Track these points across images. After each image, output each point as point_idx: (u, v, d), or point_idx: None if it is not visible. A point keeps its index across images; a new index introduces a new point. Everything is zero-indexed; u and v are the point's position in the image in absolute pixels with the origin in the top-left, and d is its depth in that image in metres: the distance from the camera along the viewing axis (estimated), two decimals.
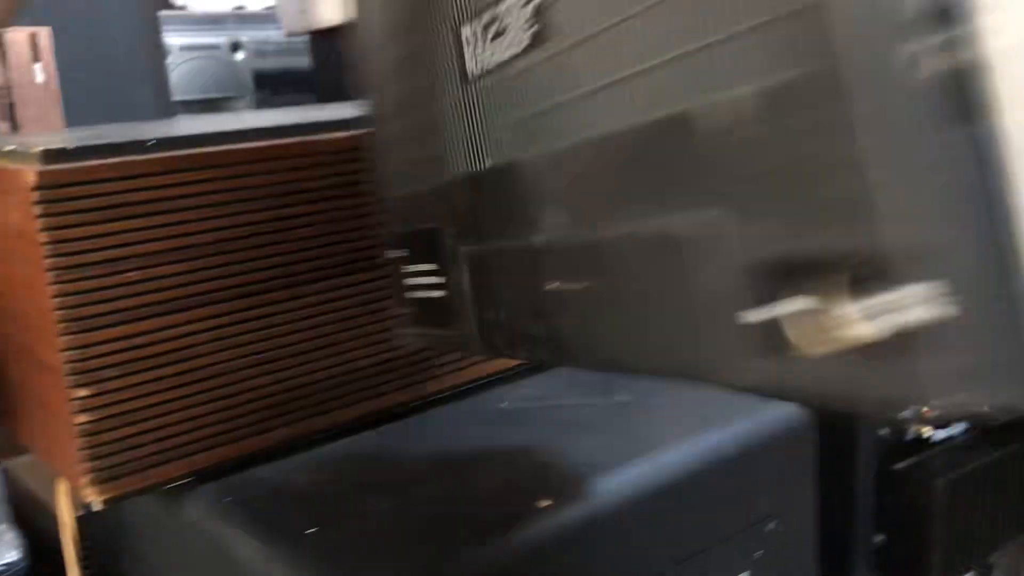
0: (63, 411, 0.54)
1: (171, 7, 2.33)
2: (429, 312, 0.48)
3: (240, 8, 2.07)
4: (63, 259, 0.51)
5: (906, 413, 0.28)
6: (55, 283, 0.51)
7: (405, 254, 0.48)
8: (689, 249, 0.32)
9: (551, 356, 0.44)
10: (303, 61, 1.78)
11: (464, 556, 0.47)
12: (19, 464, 1.07)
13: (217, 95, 1.91)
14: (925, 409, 0.78)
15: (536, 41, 0.37)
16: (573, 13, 0.35)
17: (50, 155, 0.51)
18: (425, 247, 0.47)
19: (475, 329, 0.45)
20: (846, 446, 0.78)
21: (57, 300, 0.51)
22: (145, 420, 0.54)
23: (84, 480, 0.54)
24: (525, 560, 0.49)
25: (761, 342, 0.29)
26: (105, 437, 0.54)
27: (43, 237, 0.50)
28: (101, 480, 0.54)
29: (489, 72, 0.40)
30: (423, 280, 0.48)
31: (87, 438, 0.53)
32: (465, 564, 0.47)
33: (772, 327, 0.28)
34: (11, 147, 0.56)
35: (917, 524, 0.78)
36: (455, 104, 0.43)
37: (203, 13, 1.99)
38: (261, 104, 1.95)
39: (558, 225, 0.40)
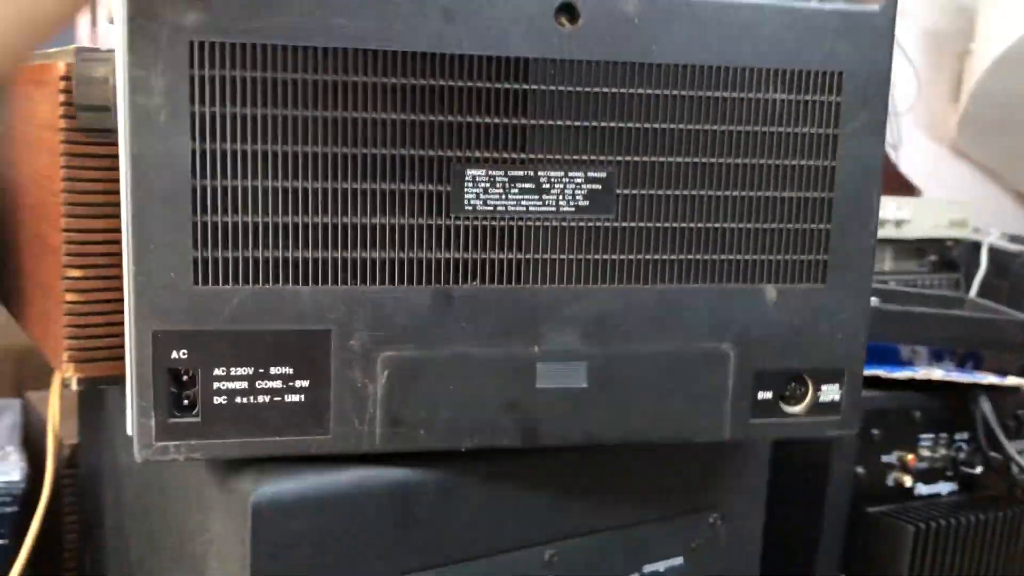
0: (58, 292, 0.58)
1: None
2: (253, 419, 0.48)
3: None
4: (76, 146, 0.55)
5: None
6: (66, 167, 0.55)
7: (210, 357, 0.47)
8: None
9: (519, 441, 0.51)
10: None
11: None
12: (36, 397, 1.11)
13: None
14: (911, 457, 0.79)
15: None
16: None
17: (84, 51, 0.56)
18: (280, 351, 0.47)
19: (375, 427, 0.49)
20: (818, 479, 0.79)
21: (65, 183, 0.56)
22: None
23: (64, 357, 0.58)
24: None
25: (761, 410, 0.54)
26: (89, 319, 0.57)
27: (62, 123, 0.55)
28: (80, 359, 0.58)
29: None
30: (260, 385, 0.48)
31: (72, 316, 0.57)
32: None
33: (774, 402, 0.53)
34: (55, 49, 0.61)
35: (882, 570, 0.78)
36: None
37: None
38: None
39: (564, 342, 0.50)
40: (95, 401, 0.76)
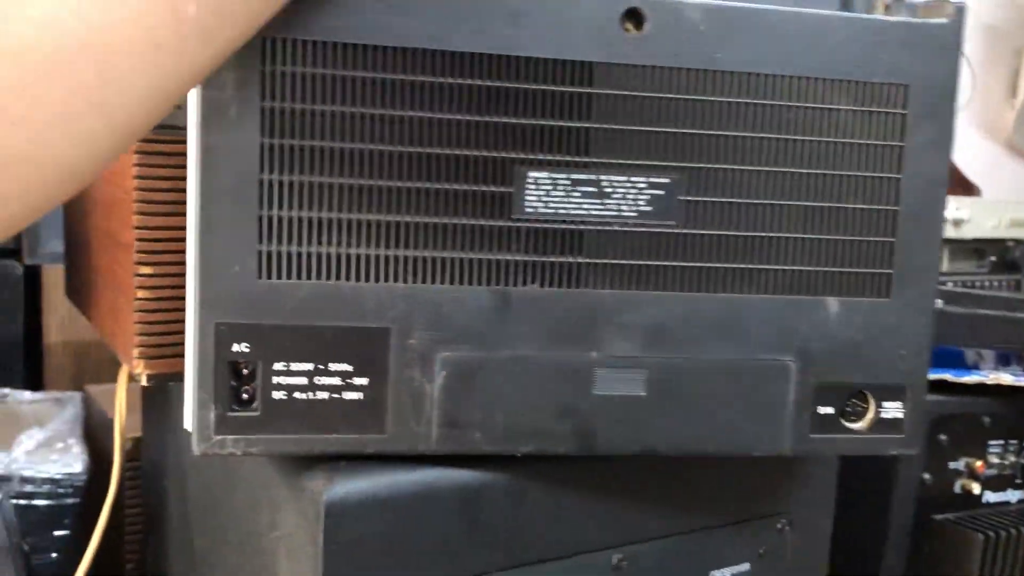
0: (129, 288, 0.59)
1: None
2: (311, 415, 0.48)
3: None
4: (148, 144, 0.57)
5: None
6: (137, 164, 0.57)
7: (270, 351, 0.47)
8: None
9: (574, 448, 0.51)
10: None
11: None
12: (96, 391, 1.14)
13: None
14: (979, 464, 0.78)
15: None
16: None
17: None
18: (340, 347, 0.48)
19: (432, 427, 0.49)
20: (884, 485, 0.78)
21: (137, 181, 0.57)
22: None
23: (135, 353, 0.59)
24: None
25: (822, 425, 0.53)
26: (159, 316, 0.59)
27: None
28: (150, 355, 0.59)
29: None
30: (319, 381, 0.48)
31: (142, 313, 0.58)
32: None
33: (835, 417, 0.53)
34: None
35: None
36: None
37: None
38: None
39: (623, 349, 0.50)
40: (159, 395, 0.77)
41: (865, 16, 0.51)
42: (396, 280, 0.48)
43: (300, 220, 0.47)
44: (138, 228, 0.57)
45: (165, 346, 0.59)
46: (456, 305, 0.49)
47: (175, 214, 0.58)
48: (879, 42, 0.51)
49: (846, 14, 0.50)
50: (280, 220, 0.47)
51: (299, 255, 0.47)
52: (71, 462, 0.99)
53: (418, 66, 0.47)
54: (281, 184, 0.46)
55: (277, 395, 0.48)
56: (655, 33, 0.49)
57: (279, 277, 0.47)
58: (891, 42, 0.51)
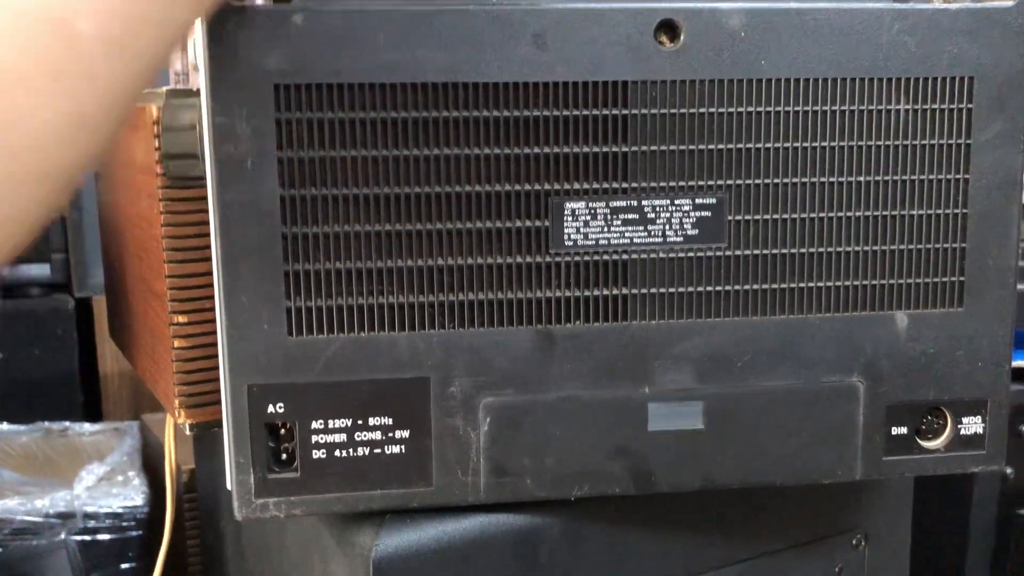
0: (166, 337, 0.58)
1: None
2: (353, 472, 0.46)
3: None
4: (174, 190, 0.55)
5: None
6: (165, 212, 0.55)
7: (307, 410, 0.45)
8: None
9: (631, 488, 0.48)
10: None
11: None
12: (153, 420, 1.14)
13: None
14: None
15: None
16: None
17: (175, 93, 0.55)
18: (378, 401, 0.46)
19: (480, 477, 0.47)
20: (963, 481, 0.74)
21: (165, 229, 0.55)
22: None
23: (176, 404, 0.57)
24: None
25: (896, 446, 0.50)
26: (197, 364, 0.57)
27: (158, 168, 0.54)
28: (191, 404, 0.57)
29: None
30: (359, 437, 0.46)
31: (181, 363, 0.57)
32: None
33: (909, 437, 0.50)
34: (148, 91, 0.61)
35: None
36: None
37: None
38: None
39: (677, 382, 0.47)
40: (207, 435, 0.76)
41: (921, 6, 0.47)
42: (432, 327, 0.46)
43: (328, 272, 0.45)
44: (170, 277, 0.56)
45: (207, 394, 0.58)
46: (497, 348, 0.46)
47: (206, 259, 0.56)
48: (938, 33, 0.47)
49: (900, 5, 0.47)
50: (307, 274, 0.44)
51: (329, 309, 0.45)
52: (132, 495, 0.99)
53: (439, 101, 0.44)
54: (305, 236, 0.44)
55: (317, 454, 0.46)
56: (692, 44, 0.45)
57: (310, 333, 0.45)
58: (951, 32, 0.47)
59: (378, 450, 0.46)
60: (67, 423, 1.15)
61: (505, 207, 0.45)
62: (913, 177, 0.48)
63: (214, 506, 0.80)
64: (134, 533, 1.00)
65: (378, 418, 0.46)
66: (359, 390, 0.45)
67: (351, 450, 0.46)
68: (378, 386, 0.46)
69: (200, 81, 0.44)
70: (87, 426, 1.15)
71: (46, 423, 1.15)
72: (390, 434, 0.46)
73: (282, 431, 0.46)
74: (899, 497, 0.61)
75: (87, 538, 0.97)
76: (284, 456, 0.46)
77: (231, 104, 0.43)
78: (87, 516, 0.96)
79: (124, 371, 1.23)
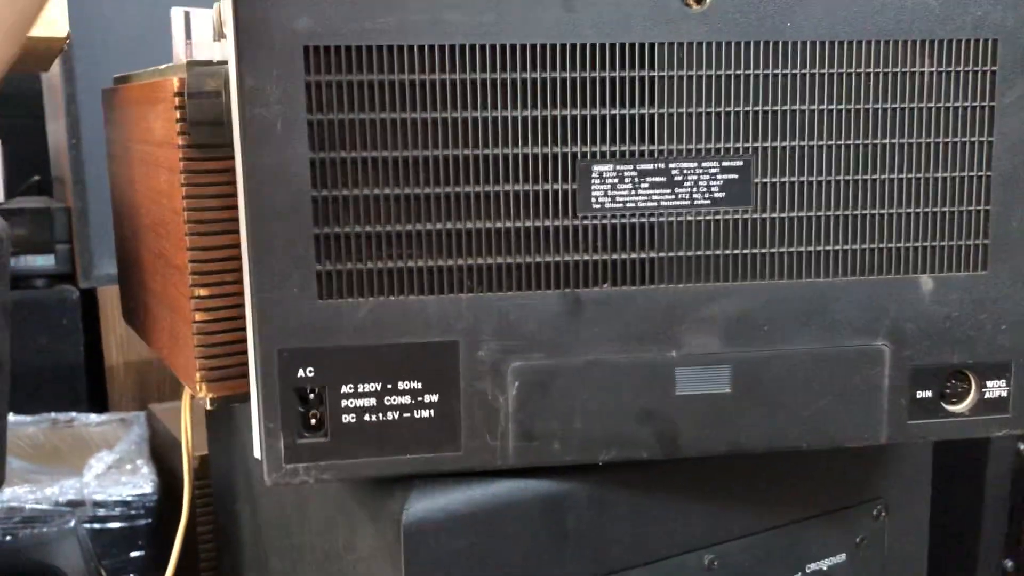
0: (186, 311, 0.57)
1: None
2: (383, 437, 0.46)
3: None
4: (195, 163, 0.55)
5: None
6: (186, 185, 0.55)
7: (337, 374, 0.45)
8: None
9: (658, 452, 0.48)
10: None
11: None
12: (160, 409, 1.13)
13: None
14: None
15: None
16: None
17: (195, 64, 0.55)
18: (407, 364, 0.46)
19: (508, 441, 0.47)
20: (977, 457, 0.74)
21: (187, 201, 0.55)
22: None
23: (197, 377, 0.57)
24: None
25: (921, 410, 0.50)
26: (219, 338, 0.57)
27: (180, 140, 0.54)
28: (212, 379, 0.57)
29: None
30: (389, 401, 0.46)
31: (202, 336, 0.56)
32: None
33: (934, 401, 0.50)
34: (165, 66, 0.60)
35: None
36: None
37: None
38: None
39: (704, 345, 0.47)
40: (223, 413, 0.76)
41: None
42: (461, 290, 0.45)
43: (357, 236, 0.44)
44: (191, 249, 0.55)
45: (228, 367, 0.57)
46: (525, 312, 0.46)
47: (228, 232, 0.56)
48: None
49: None
50: (337, 237, 0.44)
51: (359, 272, 0.45)
52: (141, 483, 0.99)
53: (467, 63, 0.44)
54: (335, 199, 0.44)
55: (346, 419, 0.46)
56: (718, 6, 0.45)
57: (340, 296, 0.45)
58: None
59: (407, 414, 0.46)
60: (74, 413, 1.15)
61: (532, 170, 0.45)
62: (937, 140, 0.48)
63: (228, 489, 0.80)
64: (143, 521, 0.99)
65: (407, 382, 0.46)
66: (389, 354, 0.45)
67: (380, 414, 0.46)
68: (407, 350, 0.46)
69: (228, 45, 0.44)
70: (94, 417, 1.15)
71: (53, 414, 1.14)
72: (419, 398, 0.46)
73: (311, 396, 0.46)
74: (918, 468, 0.61)
75: (97, 526, 0.96)
76: (313, 421, 0.46)
77: (260, 67, 0.43)
78: (97, 504, 0.96)
79: (130, 362, 1.23)
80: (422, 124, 0.44)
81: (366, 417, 0.46)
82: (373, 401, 0.46)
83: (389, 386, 0.46)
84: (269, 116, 0.43)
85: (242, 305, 0.57)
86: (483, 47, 0.44)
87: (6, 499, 0.93)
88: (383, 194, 0.44)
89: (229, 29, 0.44)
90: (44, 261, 1.20)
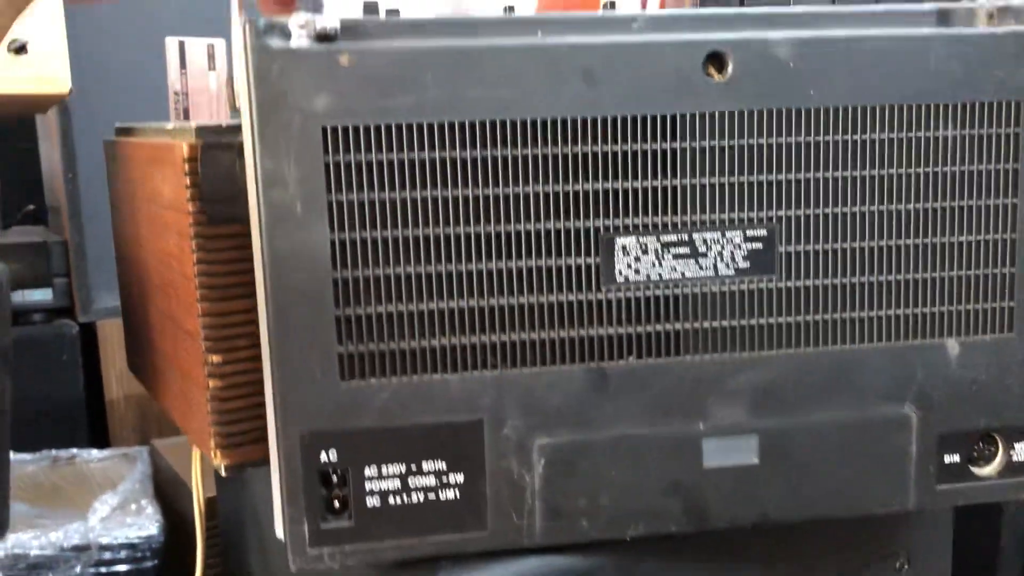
0: (199, 377, 0.56)
1: None
2: (408, 519, 0.45)
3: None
4: (206, 228, 0.54)
5: None
6: (197, 251, 0.54)
7: (360, 456, 0.45)
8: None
9: (686, 525, 0.47)
10: None
11: None
12: (163, 445, 1.12)
13: None
14: None
15: None
16: None
17: (202, 130, 0.54)
18: (431, 445, 0.45)
19: (535, 519, 0.46)
20: (993, 510, 0.74)
21: (198, 267, 0.54)
22: None
23: (211, 444, 0.56)
24: None
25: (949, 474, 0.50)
26: (233, 404, 0.56)
27: (190, 207, 0.53)
28: (227, 445, 0.56)
29: None
30: (413, 483, 0.45)
31: (216, 403, 0.55)
32: None
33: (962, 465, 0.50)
34: (172, 126, 0.60)
35: None
36: None
37: None
38: None
39: (731, 416, 0.47)
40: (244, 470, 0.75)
41: (968, 31, 0.46)
42: (485, 368, 0.45)
43: (380, 316, 0.44)
44: (204, 316, 0.55)
45: (242, 434, 0.57)
46: (550, 388, 0.45)
47: (241, 297, 0.55)
48: (986, 58, 0.46)
49: (948, 31, 0.46)
50: (359, 318, 0.44)
51: (382, 353, 0.44)
52: (146, 524, 0.98)
53: (488, 140, 0.43)
54: (356, 280, 0.43)
55: (371, 501, 0.45)
56: (741, 76, 0.45)
57: (363, 378, 0.44)
58: (999, 56, 0.47)
59: (432, 495, 0.45)
60: (74, 450, 1.13)
61: (555, 245, 0.45)
62: (961, 203, 0.47)
63: (237, 532, 0.79)
64: (149, 563, 0.98)
65: (432, 462, 0.45)
66: (413, 435, 0.45)
67: (405, 496, 0.45)
68: (432, 430, 0.45)
69: (244, 124, 0.43)
70: (95, 452, 1.14)
71: (53, 451, 1.13)
72: (444, 479, 0.45)
73: (334, 477, 0.45)
74: (940, 519, 0.61)
75: (103, 570, 0.95)
76: (337, 503, 0.45)
77: (279, 148, 0.42)
78: (102, 548, 0.95)
79: (130, 395, 1.22)
80: (443, 202, 0.44)
81: (391, 499, 0.45)
82: (397, 483, 0.45)
83: (413, 467, 0.45)
84: (288, 198, 0.42)
85: (256, 370, 0.56)
86: (503, 123, 0.43)
87: (10, 546, 0.92)
88: (405, 273, 0.44)
89: (244, 105, 0.43)
90: (42, 295, 1.19)
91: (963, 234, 0.48)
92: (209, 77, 1.07)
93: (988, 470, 0.50)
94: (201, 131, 0.55)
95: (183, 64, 1.08)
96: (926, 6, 0.48)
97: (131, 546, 0.96)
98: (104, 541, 0.95)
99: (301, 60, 0.42)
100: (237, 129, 0.54)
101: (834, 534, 0.56)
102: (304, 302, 0.43)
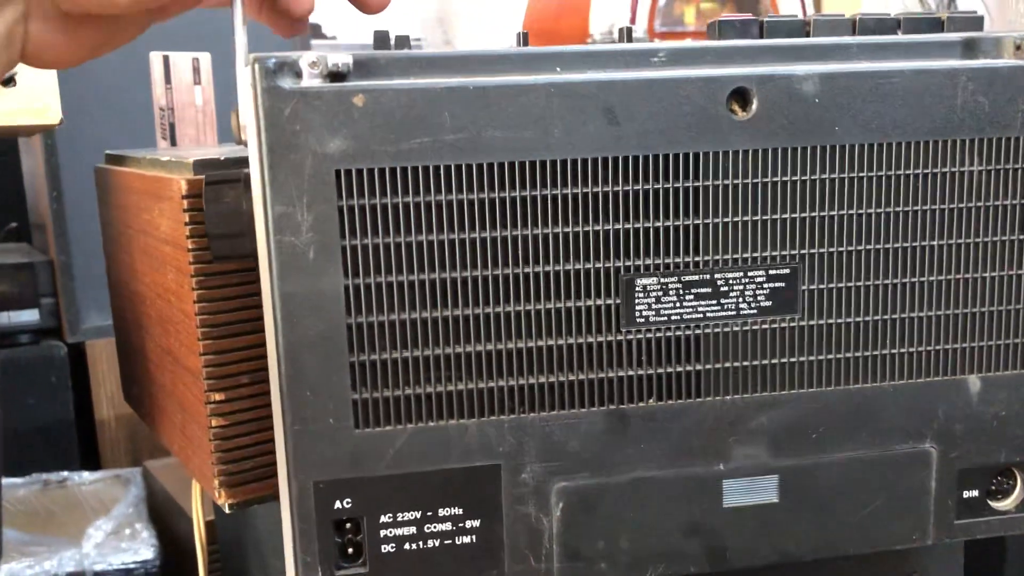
0: (200, 414, 0.55)
1: (322, 37, 2.43)
2: (423, 565, 0.44)
3: None
4: (206, 265, 0.52)
5: None
6: (198, 288, 0.53)
7: (375, 504, 0.44)
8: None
9: (706, 567, 0.46)
10: None
11: None
12: (156, 466, 1.11)
13: None
14: None
15: None
16: None
17: (201, 165, 0.53)
18: (448, 491, 0.44)
19: (553, 563, 0.45)
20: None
21: (199, 305, 0.53)
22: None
23: (215, 482, 0.55)
24: None
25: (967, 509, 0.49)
26: (236, 442, 0.55)
27: (190, 244, 0.52)
28: (230, 484, 0.55)
29: None
30: (429, 529, 0.44)
31: (219, 441, 0.54)
32: None
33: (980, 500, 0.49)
34: (167, 158, 0.58)
35: None
36: None
37: (351, 43, 2.05)
38: None
39: (752, 456, 0.46)
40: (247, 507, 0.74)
41: (995, 64, 0.46)
42: (502, 412, 0.44)
43: (394, 361, 0.43)
44: (205, 354, 0.53)
45: (246, 472, 0.55)
46: (569, 431, 0.44)
47: (242, 334, 0.54)
48: (1012, 91, 0.46)
49: (974, 64, 0.46)
50: (373, 364, 0.42)
51: (396, 399, 0.43)
52: (141, 549, 0.97)
53: (506, 181, 0.42)
54: (371, 325, 0.42)
55: (386, 548, 0.44)
56: (765, 112, 0.44)
57: (377, 425, 0.43)
58: None
59: (448, 541, 0.44)
60: (65, 473, 1.12)
61: (575, 286, 0.44)
62: (985, 239, 0.47)
63: (239, 559, 0.78)
64: None
65: (448, 508, 0.44)
66: (428, 481, 0.44)
67: (421, 542, 0.44)
68: (448, 476, 0.44)
69: (252, 165, 0.42)
70: (86, 475, 1.12)
71: (44, 474, 1.12)
72: (460, 524, 0.44)
73: (347, 525, 0.44)
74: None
75: None
76: (351, 550, 0.44)
77: (291, 192, 0.41)
78: (97, 574, 0.93)
79: (121, 416, 1.20)
80: (460, 244, 0.42)
81: (406, 546, 0.44)
82: (413, 529, 0.44)
83: (429, 513, 0.44)
84: (300, 244, 0.41)
85: (259, 407, 0.55)
86: (522, 164, 0.42)
87: (3, 575, 0.91)
88: (421, 317, 0.43)
89: (253, 144, 0.42)
90: (29, 316, 1.17)
91: (986, 270, 0.47)
92: (195, 92, 1.05)
93: (1007, 504, 0.49)
94: (199, 166, 0.53)
95: (168, 79, 1.06)
96: (952, 36, 0.47)
97: (127, 571, 0.95)
98: (99, 568, 0.94)
99: (314, 101, 0.40)
100: (237, 161, 0.53)
101: (849, 556, 0.55)
102: (317, 349, 0.42)
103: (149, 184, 0.59)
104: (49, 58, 0.45)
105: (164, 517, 1.05)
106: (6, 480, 1.08)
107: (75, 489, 1.10)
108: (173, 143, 1.16)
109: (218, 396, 0.54)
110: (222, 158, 0.54)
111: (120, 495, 1.06)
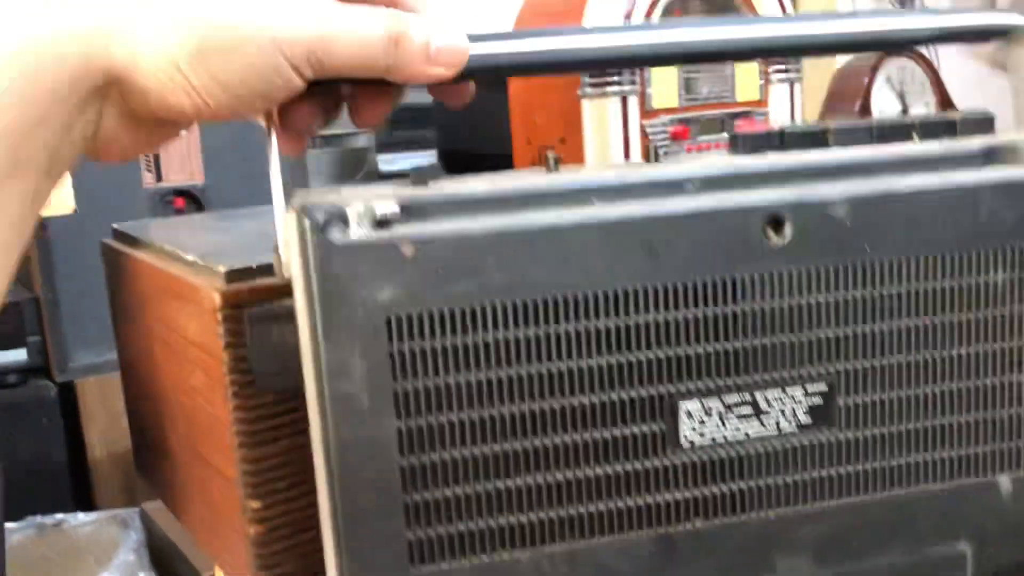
0: (233, 518, 0.55)
1: None
2: None
3: None
4: (242, 376, 0.52)
5: None
6: (234, 398, 0.53)
7: None
8: None
9: None
10: (423, 96, 1.79)
11: None
12: (154, 508, 1.10)
13: (340, 131, 1.94)
14: None
15: None
16: None
17: (233, 275, 0.53)
18: None
19: None
20: None
21: (236, 414, 0.53)
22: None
23: None
24: None
25: None
26: (274, 548, 0.55)
27: (226, 356, 0.52)
28: None
29: None
30: None
31: (257, 547, 0.54)
32: None
33: None
34: (192, 257, 0.58)
35: None
36: None
37: None
38: (380, 138, 1.98)
39: (796, 568, 0.47)
40: None
41: (1017, 176, 0.47)
42: (553, 542, 0.44)
43: (448, 499, 0.43)
44: (243, 462, 0.53)
45: (289, 573, 0.56)
46: (619, 557, 0.45)
47: (277, 440, 0.54)
48: None
49: (997, 177, 0.47)
50: (426, 503, 0.43)
51: (450, 535, 0.43)
52: None
53: (551, 316, 0.43)
54: (423, 465, 0.43)
55: None
56: (799, 236, 0.45)
57: (432, 562, 0.43)
58: None
59: None
60: (60, 515, 1.11)
61: (620, 414, 0.44)
62: (1011, 344, 0.48)
63: None
64: None
65: None
66: None
67: None
68: None
69: (301, 313, 0.42)
70: (82, 516, 1.12)
71: (38, 517, 1.11)
72: None
73: None
74: None
75: None
76: None
77: (343, 341, 0.41)
78: None
79: (115, 454, 1.19)
80: (507, 380, 0.43)
81: None
82: None
83: None
84: (354, 390, 0.41)
85: (296, 511, 0.55)
86: (565, 299, 0.43)
87: None
88: (472, 454, 0.43)
89: (301, 294, 0.42)
90: (15, 356, 1.16)
91: (1014, 373, 0.48)
92: None
93: None
94: (232, 275, 0.53)
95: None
96: (974, 145, 0.48)
97: None
98: None
99: (364, 253, 0.41)
100: (268, 269, 0.52)
101: None
102: (371, 490, 0.42)
103: (171, 283, 0.58)
104: (112, 153, 0.46)
105: (165, 562, 1.05)
106: None
107: (71, 532, 1.09)
108: (159, 177, 1.15)
109: (255, 504, 0.54)
110: (254, 266, 0.53)
111: (119, 538, 1.06)
